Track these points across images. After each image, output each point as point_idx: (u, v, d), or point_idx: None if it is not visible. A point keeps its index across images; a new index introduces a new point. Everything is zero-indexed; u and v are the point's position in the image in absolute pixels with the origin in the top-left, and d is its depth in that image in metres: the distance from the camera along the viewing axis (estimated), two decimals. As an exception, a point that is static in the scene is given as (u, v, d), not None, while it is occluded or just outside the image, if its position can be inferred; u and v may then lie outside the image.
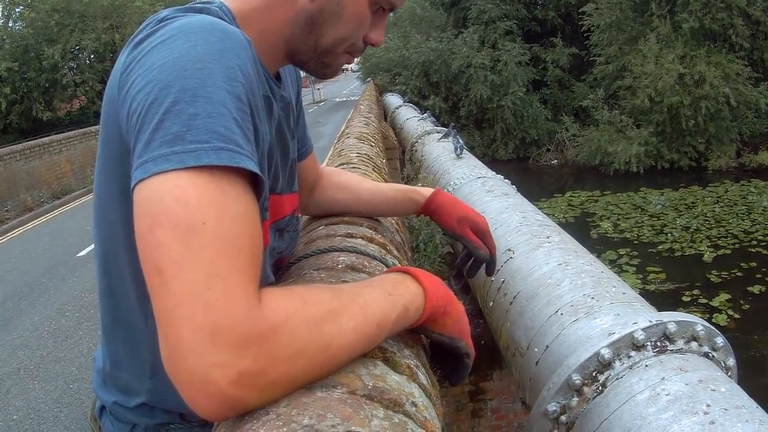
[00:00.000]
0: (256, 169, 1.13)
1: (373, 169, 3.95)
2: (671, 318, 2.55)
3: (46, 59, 36.51)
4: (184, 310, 0.97)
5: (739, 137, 32.77)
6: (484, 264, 2.28)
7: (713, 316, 15.28)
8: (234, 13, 1.50)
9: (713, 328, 2.60)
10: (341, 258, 1.73)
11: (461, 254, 2.34)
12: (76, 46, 38.29)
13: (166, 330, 0.98)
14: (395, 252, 2.07)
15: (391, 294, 1.28)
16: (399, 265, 1.86)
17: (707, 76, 30.30)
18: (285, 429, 0.91)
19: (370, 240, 1.99)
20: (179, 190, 1.04)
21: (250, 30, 1.47)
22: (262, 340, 0.98)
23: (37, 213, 23.52)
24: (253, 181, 1.15)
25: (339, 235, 1.97)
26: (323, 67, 1.64)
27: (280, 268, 1.91)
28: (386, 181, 3.91)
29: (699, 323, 2.55)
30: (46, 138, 28.77)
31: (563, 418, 2.54)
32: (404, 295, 1.32)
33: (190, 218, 1.02)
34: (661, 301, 15.59)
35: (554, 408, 2.53)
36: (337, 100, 66.05)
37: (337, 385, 1.06)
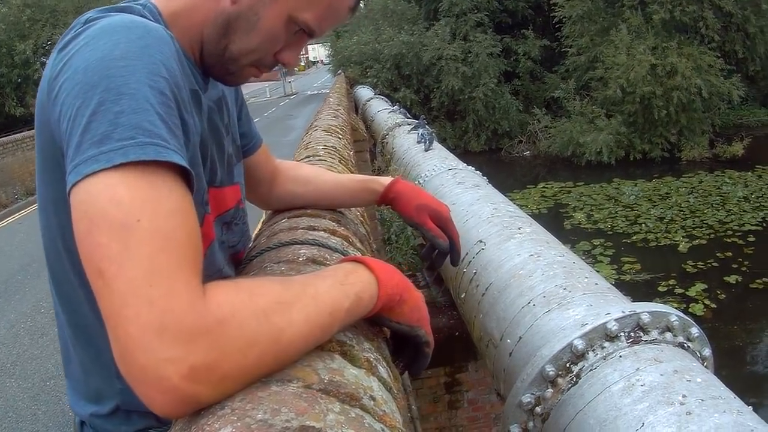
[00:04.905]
0: (183, 162, 1.14)
1: (339, 161, 3.94)
2: (644, 308, 2.55)
3: (18, 54, 36.62)
4: (129, 309, 0.97)
5: (712, 128, 33.10)
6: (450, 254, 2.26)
7: (689, 306, 15.41)
8: (161, 11, 1.51)
9: (688, 318, 2.60)
10: (302, 251, 1.71)
11: (426, 245, 2.31)
12: (48, 41, 38.15)
13: (116, 330, 0.98)
14: (358, 244, 2.06)
15: (343, 283, 1.27)
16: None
17: (679, 67, 30.57)
18: (239, 424, 0.90)
19: (333, 232, 1.97)
20: (111, 190, 1.05)
21: (177, 27, 1.50)
22: (209, 334, 0.98)
23: (11, 210, 23.29)
24: (184, 175, 1.15)
25: (301, 228, 1.95)
26: (226, 74, 1.63)
27: (240, 262, 1.91)
28: (352, 173, 3.90)
29: (673, 313, 2.56)
30: (18, 134, 28.60)
31: (538, 409, 2.54)
32: (357, 284, 1.31)
33: (125, 217, 1.03)
34: (637, 291, 15.75)
35: (529, 399, 2.53)
36: (309, 93, 66.20)
37: (293, 379, 1.05)
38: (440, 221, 2.21)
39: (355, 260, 1.41)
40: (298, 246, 1.76)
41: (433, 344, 1.62)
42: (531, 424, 2.57)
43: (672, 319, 2.53)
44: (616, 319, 2.49)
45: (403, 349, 1.63)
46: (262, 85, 76.54)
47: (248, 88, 71.40)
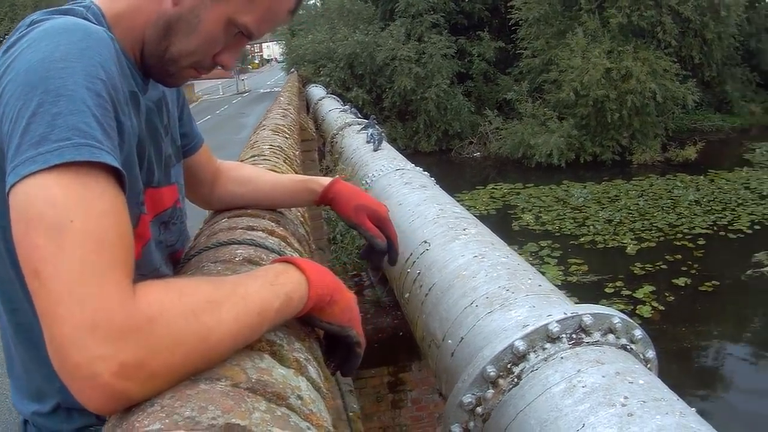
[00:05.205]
0: (116, 163, 1.16)
1: (284, 161, 3.93)
2: (587, 310, 2.55)
3: (-24, 48, 36.27)
4: (63, 308, 0.99)
5: (666, 132, 33.46)
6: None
7: (637, 307, 15.55)
8: (104, 12, 1.52)
9: (630, 320, 2.61)
10: (239, 251, 1.72)
11: (365, 245, 2.33)
12: (5, 34, 37.84)
13: (51, 329, 1.00)
14: (296, 245, 2.07)
15: (273, 284, 1.29)
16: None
17: (634, 71, 30.89)
18: (167, 420, 0.92)
19: (271, 233, 1.98)
20: (46, 191, 1.07)
21: (120, 28, 1.52)
22: (138, 332, 1.00)
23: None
24: (117, 176, 1.17)
25: (240, 228, 1.96)
26: (166, 75, 1.65)
27: (179, 261, 1.93)
28: (297, 173, 3.90)
29: (616, 316, 2.56)
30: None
31: (479, 409, 2.52)
32: (287, 285, 1.32)
33: (59, 218, 1.05)
34: (584, 293, 15.79)
35: (470, 400, 2.52)
36: (262, 91, 66.01)
37: (221, 377, 1.06)
38: (379, 221, 2.23)
39: (287, 261, 1.42)
40: (236, 246, 1.77)
41: (364, 344, 1.64)
42: (472, 424, 2.55)
43: (614, 321, 2.53)
44: (557, 321, 2.49)
45: (335, 349, 1.65)
46: (215, 82, 76.14)
47: (201, 86, 71.14)
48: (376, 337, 6.45)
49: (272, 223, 2.12)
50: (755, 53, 42.28)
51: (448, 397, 2.88)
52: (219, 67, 1.66)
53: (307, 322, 1.50)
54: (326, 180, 2.31)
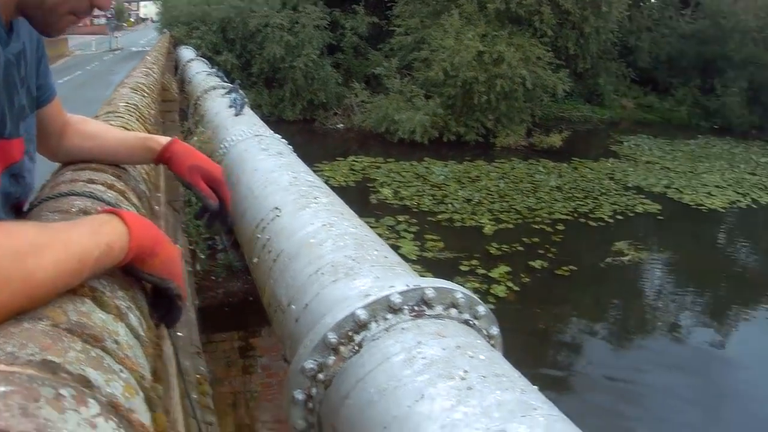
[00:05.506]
0: None
1: (137, 119, 3.90)
2: (429, 284, 2.54)
3: None
4: None
5: (532, 118, 33.94)
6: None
7: (491, 287, 15.78)
8: None
9: (474, 296, 2.60)
10: (77, 202, 1.74)
11: (200, 206, 2.38)
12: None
13: None
14: (135, 200, 2.09)
15: (95, 233, 1.32)
16: (136, 212, 1.90)
17: (506, 57, 31.25)
18: (-10, 356, 0.94)
19: (110, 186, 1.99)
20: None
21: None
22: None
23: None
24: None
25: (81, 181, 1.97)
26: (46, 26, 1.68)
27: (21, 211, 1.93)
28: (150, 132, 3.88)
29: (458, 291, 2.55)
30: None
31: (321, 375, 2.46)
32: (108, 235, 1.36)
33: None
34: (439, 269, 15.90)
35: (311, 366, 2.47)
36: (134, 49, 64.55)
37: (44, 317, 1.10)
38: (213, 182, 2.29)
39: (112, 212, 1.46)
40: (75, 197, 1.79)
41: (186, 298, 1.69)
42: (314, 390, 2.49)
43: (457, 296, 2.53)
44: (399, 292, 2.48)
45: (160, 301, 1.69)
46: (88, 38, 74.38)
47: (75, 41, 69.21)
48: (227, 301, 6.43)
49: (113, 178, 2.13)
50: (633, 50, 43.54)
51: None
52: (97, 12, 1.68)
53: (130, 273, 1.53)
54: (166, 139, 2.35)
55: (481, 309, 2.58)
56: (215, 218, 2.35)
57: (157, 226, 1.56)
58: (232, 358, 6.75)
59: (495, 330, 2.64)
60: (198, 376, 4.36)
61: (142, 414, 1.05)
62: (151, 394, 1.14)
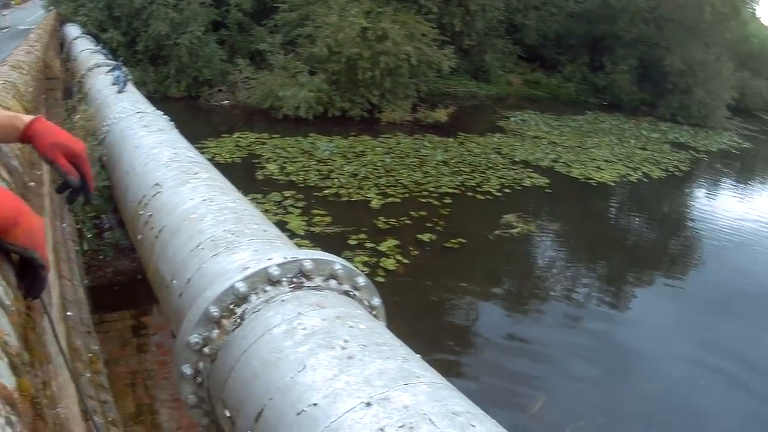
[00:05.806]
0: None
1: (13, 96, 3.86)
2: (307, 255, 2.60)
3: None
4: None
5: (417, 94, 34.11)
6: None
7: (381, 260, 15.97)
8: None
9: (354, 268, 2.67)
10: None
11: (61, 181, 2.38)
12: None
13: None
14: (5, 175, 2.08)
15: None
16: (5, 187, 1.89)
17: (390, 33, 31.34)
18: None
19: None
20: None
21: None
22: None
23: None
24: None
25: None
26: None
27: None
28: (27, 110, 3.84)
29: (337, 262, 2.62)
30: None
31: (206, 349, 2.52)
32: None
33: None
34: (327, 244, 16.03)
35: (197, 340, 2.51)
36: (21, 27, 62.82)
37: None
38: (74, 159, 2.30)
39: None
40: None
41: (49, 268, 1.71)
42: (201, 364, 2.55)
43: (336, 268, 2.60)
44: (278, 265, 2.53)
45: (23, 272, 1.71)
46: (-25, 18, 72.29)
47: (-39, 20, 67.30)
48: (116, 280, 6.36)
49: (-19, 154, 2.11)
50: (520, 27, 44.08)
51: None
52: None
53: None
54: (29, 118, 2.33)
55: (361, 280, 2.65)
56: (78, 193, 2.36)
57: (20, 197, 1.56)
58: (125, 337, 6.68)
59: (377, 301, 2.70)
60: (90, 354, 4.32)
61: (6, 378, 1.06)
62: (15, 360, 1.15)
